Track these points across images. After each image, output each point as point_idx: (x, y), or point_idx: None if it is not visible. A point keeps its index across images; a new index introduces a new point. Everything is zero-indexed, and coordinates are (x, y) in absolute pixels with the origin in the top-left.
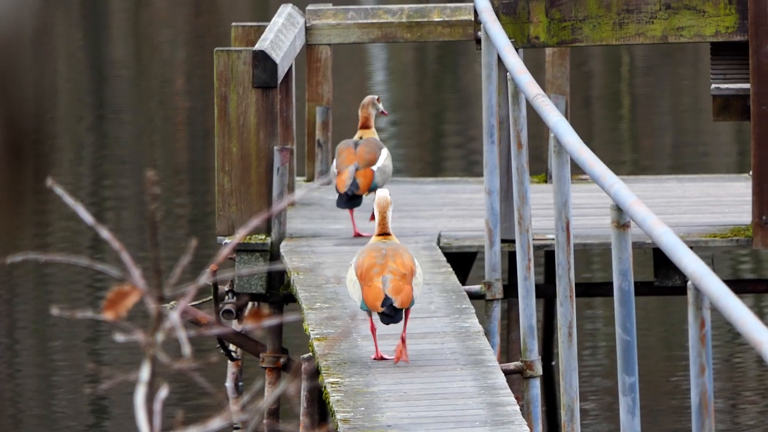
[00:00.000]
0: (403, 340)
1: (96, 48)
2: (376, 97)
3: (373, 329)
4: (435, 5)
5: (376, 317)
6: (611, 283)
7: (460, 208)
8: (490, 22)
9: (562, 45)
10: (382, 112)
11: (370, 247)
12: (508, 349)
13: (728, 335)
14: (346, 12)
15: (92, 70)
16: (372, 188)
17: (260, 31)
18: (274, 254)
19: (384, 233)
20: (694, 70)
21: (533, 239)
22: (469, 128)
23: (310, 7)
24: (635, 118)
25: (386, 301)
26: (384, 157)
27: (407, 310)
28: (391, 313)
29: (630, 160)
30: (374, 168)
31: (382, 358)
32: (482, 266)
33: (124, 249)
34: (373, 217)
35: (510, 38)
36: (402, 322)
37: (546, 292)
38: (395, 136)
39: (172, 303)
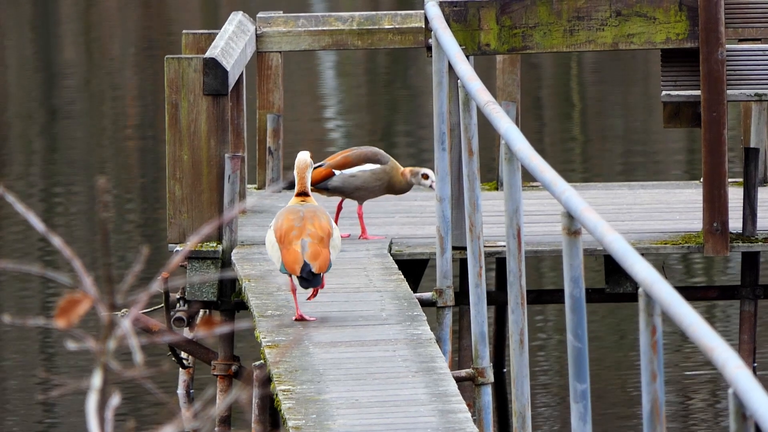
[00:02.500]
0: (315, 293)
1: (45, 49)
2: (422, 172)
3: (293, 290)
4: (386, 12)
5: (296, 279)
6: (562, 290)
7: (412, 215)
8: (441, 30)
9: (513, 52)
10: (430, 186)
11: (288, 210)
12: (460, 356)
13: (679, 342)
14: (296, 19)
15: (42, 71)
16: (322, 186)
17: (211, 38)
18: (225, 262)
19: (303, 193)
20: (645, 76)
21: (484, 246)
22: (420, 135)
23: (260, 14)
24: (586, 125)
25: (305, 267)
26: (360, 169)
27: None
28: (310, 278)
29: (581, 167)
30: (338, 171)
31: (302, 318)
32: (433, 273)
33: (76, 257)
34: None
35: (461, 45)
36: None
37: (497, 299)
38: (345, 143)
39: (123, 311)
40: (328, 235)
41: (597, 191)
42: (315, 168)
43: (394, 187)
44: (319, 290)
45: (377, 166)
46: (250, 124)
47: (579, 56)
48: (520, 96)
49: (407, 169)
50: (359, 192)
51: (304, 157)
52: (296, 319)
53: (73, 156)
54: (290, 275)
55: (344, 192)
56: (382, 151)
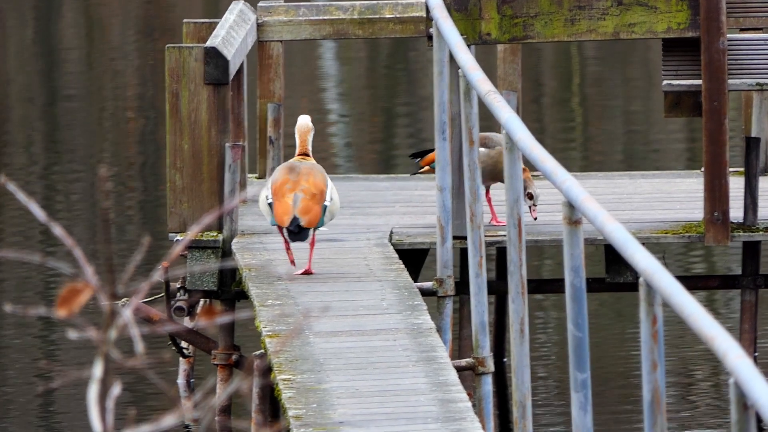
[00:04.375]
0: (308, 266)
1: (46, 36)
2: (529, 191)
3: (286, 243)
4: (386, 2)
5: (285, 232)
6: (563, 280)
7: (412, 204)
8: (442, 19)
9: (514, 41)
10: (530, 207)
11: (286, 165)
12: (460, 345)
13: (680, 331)
14: (297, 8)
15: (42, 58)
16: (434, 166)
17: (212, 27)
18: (225, 251)
19: (304, 153)
20: (646, 66)
21: (485, 236)
22: (421, 125)
23: (261, 3)
24: (587, 114)
25: (294, 221)
26: (485, 153)
27: (314, 229)
28: (297, 231)
29: (581, 157)
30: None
31: (293, 263)
32: (434, 263)
33: (77, 246)
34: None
35: (462, 35)
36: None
37: (498, 289)
38: (346, 132)
39: (124, 300)
40: (321, 192)
41: (597, 181)
42: (431, 151)
43: (499, 175)
44: (313, 250)
45: (483, 149)
46: (251, 114)
47: (580, 45)
48: (521, 85)
49: (523, 176)
50: (488, 175)
51: (305, 121)
52: (291, 262)
53: (73, 145)
54: (280, 228)
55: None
56: (494, 136)
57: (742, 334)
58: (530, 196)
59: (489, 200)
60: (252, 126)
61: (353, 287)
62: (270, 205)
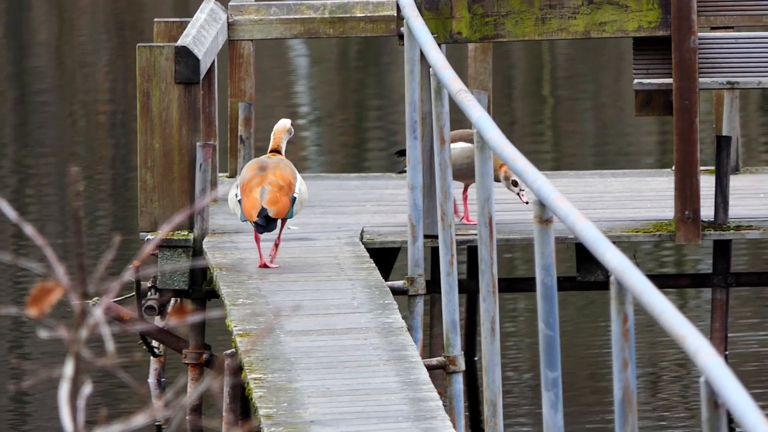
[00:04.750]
0: (276, 245)
1: (17, 30)
2: (513, 178)
3: (257, 238)
4: (358, 1)
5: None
6: (534, 279)
7: (383, 203)
8: (413, 18)
9: (485, 40)
10: (518, 194)
11: (254, 161)
12: (431, 344)
13: (651, 329)
14: (268, 8)
15: (13, 53)
16: None
17: (183, 27)
18: (196, 250)
19: (275, 150)
20: (617, 65)
21: (456, 235)
22: (392, 123)
23: (232, 2)
24: (558, 113)
25: (262, 211)
26: (451, 146)
27: (283, 220)
28: (264, 223)
29: (552, 156)
30: None
31: (265, 266)
32: (405, 262)
33: (48, 245)
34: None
35: (433, 34)
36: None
37: (469, 288)
38: (317, 131)
39: (95, 299)
40: (289, 185)
41: (568, 179)
42: None
43: None
44: (280, 239)
45: (468, 145)
46: (222, 113)
47: (551, 44)
48: (491, 84)
49: (506, 167)
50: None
51: (285, 123)
52: (260, 266)
53: (44, 143)
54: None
55: None
56: None
57: (712, 333)
58: (515, 183)
59: (465, 199)
60: (223, 125)
61: (324, 286)
62: (239, 201)
